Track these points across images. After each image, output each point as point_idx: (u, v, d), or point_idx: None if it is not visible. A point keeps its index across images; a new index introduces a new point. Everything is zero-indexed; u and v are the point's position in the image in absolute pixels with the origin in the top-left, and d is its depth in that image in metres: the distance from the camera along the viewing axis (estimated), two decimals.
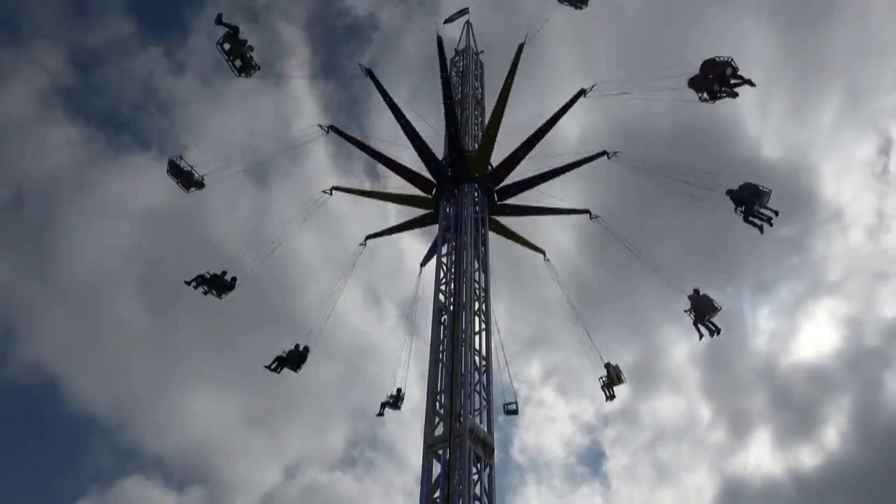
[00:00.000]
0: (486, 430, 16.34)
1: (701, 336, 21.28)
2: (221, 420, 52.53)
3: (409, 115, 22.95)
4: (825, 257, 52.91)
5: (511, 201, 23.52)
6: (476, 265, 19.99)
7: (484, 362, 17.92)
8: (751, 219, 19.72)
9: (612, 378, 23.56)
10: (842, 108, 54.39)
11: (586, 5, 22.52)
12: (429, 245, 24.73)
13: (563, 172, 23.08)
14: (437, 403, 16.79)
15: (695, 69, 19.76)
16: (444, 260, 20.40)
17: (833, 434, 48.04)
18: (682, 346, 50.45)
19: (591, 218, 24.03)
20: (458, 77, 27.58)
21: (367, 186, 27.24)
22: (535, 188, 23.31)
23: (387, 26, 57.58)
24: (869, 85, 52.02)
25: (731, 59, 19.26)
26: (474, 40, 29.38)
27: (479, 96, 26.95)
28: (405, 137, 23.00)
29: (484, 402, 17.06)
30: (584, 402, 53.87)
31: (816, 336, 59.38)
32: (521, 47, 22.74)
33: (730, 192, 19.91)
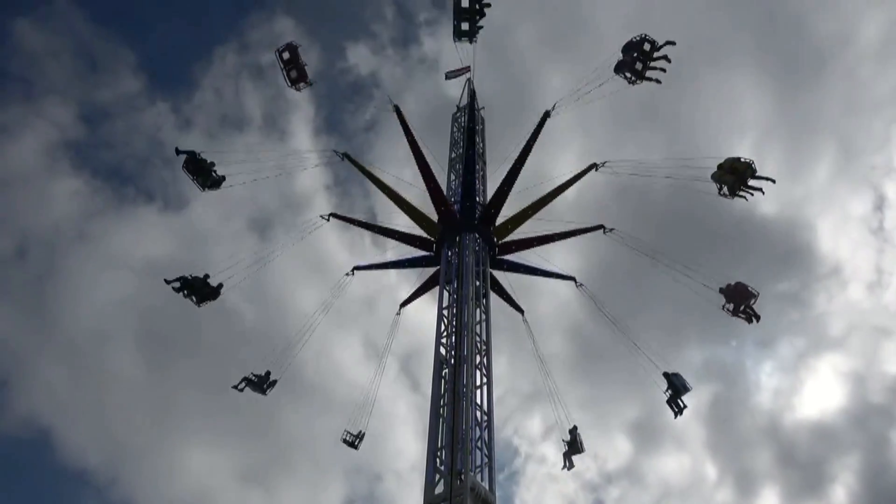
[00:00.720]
0: (487, 488, 15.86)
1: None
2: (216, 476, 51.32)
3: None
4: (826, 312, 53.02)
5: (508, 257, 23.82)
6: (477, 317, 19.84)
7: (485, 418, 17.55)
8: (670, 403, 21.88)
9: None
10: (836, 165, 55.58)
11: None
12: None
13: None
14: (438, 460, 16.36)
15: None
16: (444, 312, 20.22)
17: (841, 493, 46.96)
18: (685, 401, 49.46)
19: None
20: (459, 132, 28.05)
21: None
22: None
23: (388, 84, 59.31)
24: (861, 143, 53.26)
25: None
26: (476, 98, 29.93)
27: (480, 151, 27.33)
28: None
29: (485, 459, 16.64)
30: (587, 459, 52.67)
31: (820, 392, 58.83)
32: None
33: (665, 375, 21.81)
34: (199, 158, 22.24)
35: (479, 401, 17.79)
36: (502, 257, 23.73)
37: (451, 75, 29.03)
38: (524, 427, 52.37)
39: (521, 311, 25.05)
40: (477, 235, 22.53)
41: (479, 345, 19.20)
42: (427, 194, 23.37)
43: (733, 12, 53.86)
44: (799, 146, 54.85)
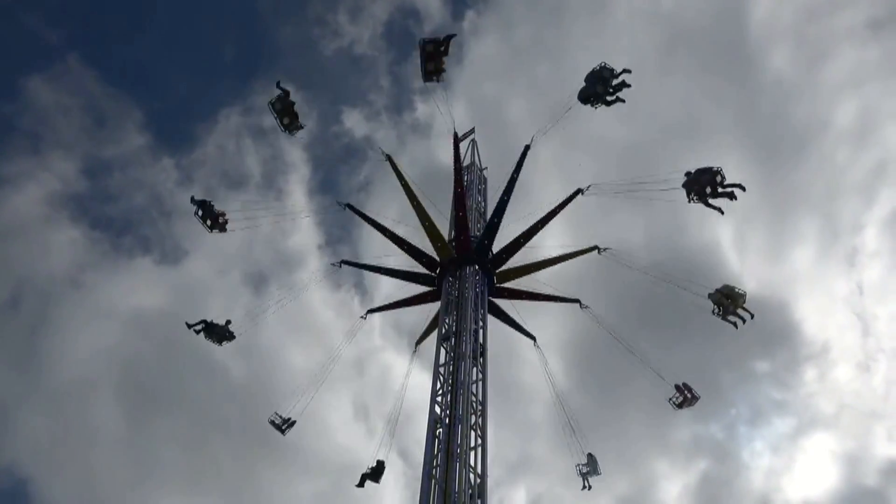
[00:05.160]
0: None
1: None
2: None
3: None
4: (815, 393, 52.91)
5: (508, 285, 24.32)
6: (474, 376, 19.48)
7: (479, 480, 16.97)
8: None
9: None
10: (819, 246, 56.18)
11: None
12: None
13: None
14: None
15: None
16: (441, 370, 19.87)
17: None
18: (674, 481, 49.01)
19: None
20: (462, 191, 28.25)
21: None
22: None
23: (382, 146, 60.49)
24: (841, 225, 54.21)
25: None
26: (479, 157, 30.43)
27: (482, 209, 27.57)
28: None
29: None
30: None
31: (812, 473, 57.68)
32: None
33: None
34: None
35: (472, 463, 17.25)
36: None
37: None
38: (510, 498, 50.76)
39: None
40: (476, 267, 23.11)
41: (474, 404, 18.78)
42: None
43: (715, 98, 55.85)
44: (782, 227, 55.72)
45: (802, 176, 54.74)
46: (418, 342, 26.09)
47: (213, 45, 69.85)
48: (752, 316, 21.88)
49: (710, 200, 21.14)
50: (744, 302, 21.89)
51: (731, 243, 51.79)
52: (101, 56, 64.65)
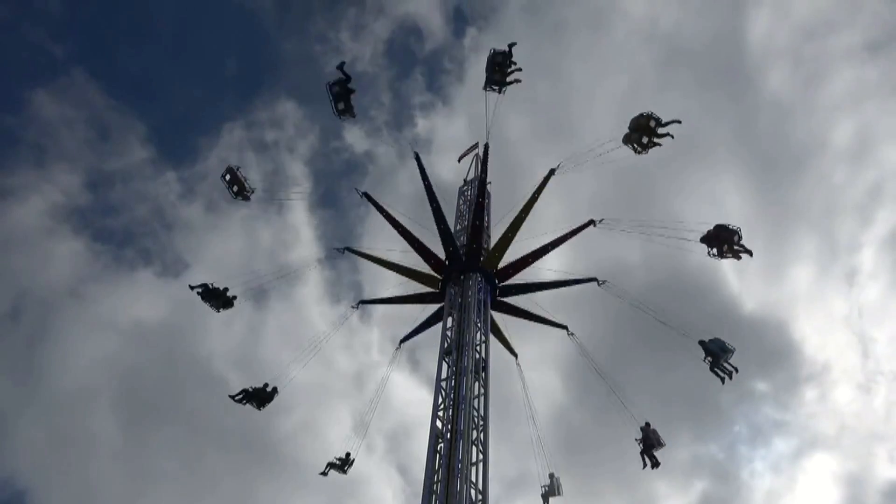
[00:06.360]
0: None
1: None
2: None
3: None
4: (816, 413, 52.63)
5: (511, 301, 24.45)
6: (476, 391, 19.37)
7: (480, 496, 16.80)
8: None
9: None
10: (817, 266, 56.15)
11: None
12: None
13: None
14: None
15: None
16: (443, 384, 19.76)
17: None
18: (674, 501, 48.49)
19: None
20: (465, 205, 28.27)
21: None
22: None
23: (382, 161, 61.48)
24: (839, 245, 54.28)
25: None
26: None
27: (486, 224, 27.45)
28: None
29: None
30: None
31: (813, 494, 57.17)
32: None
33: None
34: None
35: (473, 478, 17.10)
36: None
37: (462, 157, 30.19)
38: None
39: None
40: (479, 276, 23.18)
41: (476, 420, 18.65)
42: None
43: (713, 117, 56.14)
44: (780, 246, 55.76)
45: (800, 195, 54.94)
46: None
47: (216, 59, 70.73)
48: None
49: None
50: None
51: (729, 262, 51.52)
52: (105, 69, 65.57)
